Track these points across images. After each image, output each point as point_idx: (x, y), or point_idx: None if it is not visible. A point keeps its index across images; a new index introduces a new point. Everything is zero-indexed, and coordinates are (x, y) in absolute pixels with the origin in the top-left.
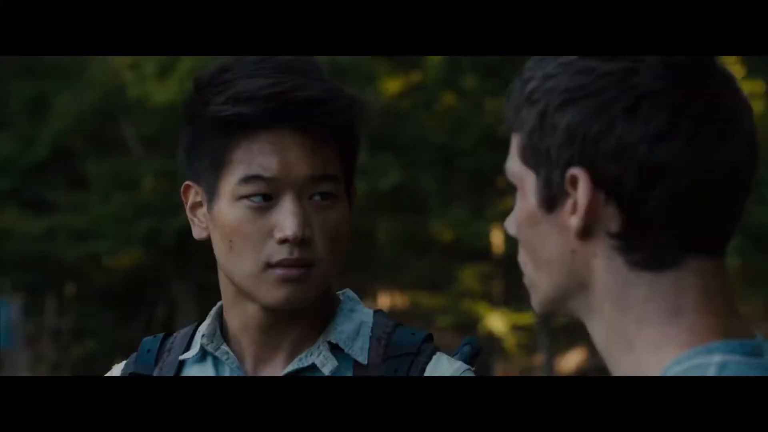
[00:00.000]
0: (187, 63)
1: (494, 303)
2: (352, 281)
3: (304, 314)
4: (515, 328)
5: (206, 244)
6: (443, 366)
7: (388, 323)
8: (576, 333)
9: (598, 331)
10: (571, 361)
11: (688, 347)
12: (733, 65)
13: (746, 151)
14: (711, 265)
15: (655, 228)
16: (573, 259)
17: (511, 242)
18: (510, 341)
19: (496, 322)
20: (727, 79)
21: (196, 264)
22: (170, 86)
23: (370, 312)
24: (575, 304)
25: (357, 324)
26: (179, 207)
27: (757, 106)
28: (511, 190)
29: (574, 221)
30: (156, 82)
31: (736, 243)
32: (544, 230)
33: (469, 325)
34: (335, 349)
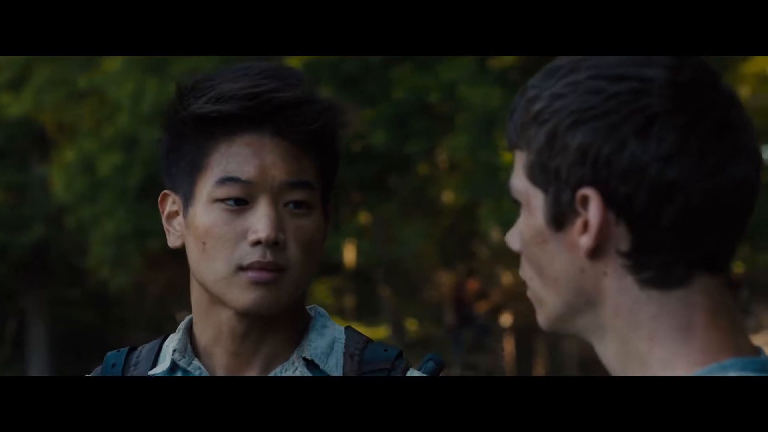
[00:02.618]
0: (40, 76)
1: (346, 317)
2: None
3: (278, 327)
4: None
5: (63, 259)
6: None
7: (360, 339)
8: (428, 346)
9: (608, 348)
10: None
11: (701, 365)
12: None
13: (751, 167)
14: (716, 282)
15: (666, 246)
16: (582, 277)
17: (363, 257)
18: None
19: None
20: (732, 97)
21: (46, 278)
22: (24, 99)
23: (342, 328)
24: (583, 321)
25: (330, 340)
26: (29, 220)
27: None
28: (367, 205)
29: (585, 240)
30: (9, 94)
31: None
32: (552, 248)
33: None
34: (310, 365)
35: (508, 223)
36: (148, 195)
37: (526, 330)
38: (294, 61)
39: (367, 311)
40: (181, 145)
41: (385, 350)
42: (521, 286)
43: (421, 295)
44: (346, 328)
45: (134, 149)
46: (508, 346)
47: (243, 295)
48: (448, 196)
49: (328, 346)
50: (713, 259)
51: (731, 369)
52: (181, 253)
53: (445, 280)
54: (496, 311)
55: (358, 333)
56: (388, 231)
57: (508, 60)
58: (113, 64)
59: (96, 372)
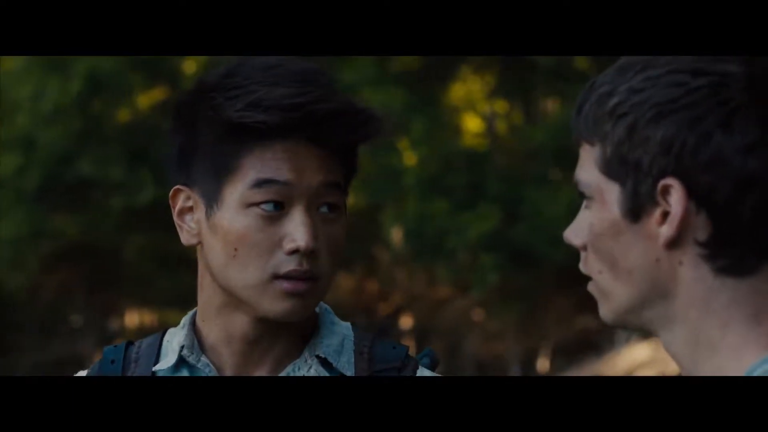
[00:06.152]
0: None
1: None
2: (100, 299)
3: (290, 328)
4: None
5: None
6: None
7: (367, 336)
8: None
9: (677, 338)
10: None
11: None
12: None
13: None
14: None
15: (743, 236)
16: (657, 267)
17: None
18: None
19: None
20: None
21: None
22: None
23: (348, 324)
24: (651, 313)
25: (341, 337)
26: None
27: (501, 126)
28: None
29: (666, 230)
30: None
31: (495, 260)
32: (627, 240)
33: None
34: (324, 363)
35: (410, 226)
36: (46, 196)
37: (426, 332)
38: (191, 62)
39: None
40: (201, 142)
41: (394, 348)
42: (421, 288)
43: None
44: (352, 324)
45: (33, 150)
46: (409, 348)
47: (276, 304)
48: (348, 199)
49: (339, 343)
50: None
51: None
52: (73, 255)
53: (345, 282)
54: (396, 313)
55: (362, 330)
56: None
57: (408, 62)
58: (12, 62)
59: (94, 368)
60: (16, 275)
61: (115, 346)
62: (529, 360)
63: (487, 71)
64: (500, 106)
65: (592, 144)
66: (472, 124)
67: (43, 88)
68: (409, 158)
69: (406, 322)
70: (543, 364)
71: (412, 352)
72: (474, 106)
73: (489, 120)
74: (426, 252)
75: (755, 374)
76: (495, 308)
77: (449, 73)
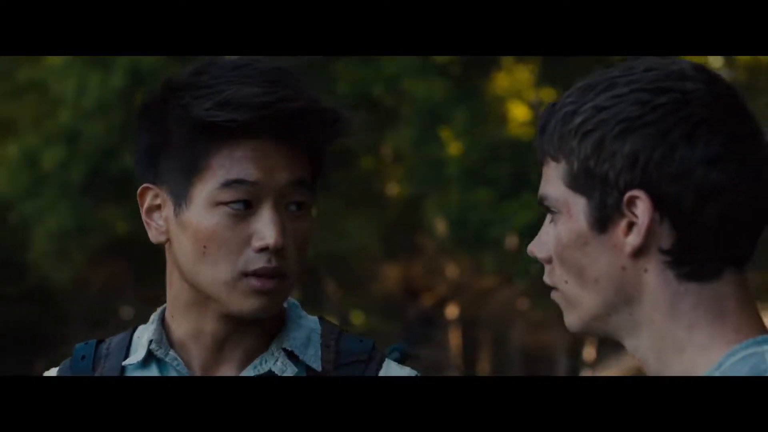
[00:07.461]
0: None
1: None
2: (148, 291)
3: (259, 323)
4: None
5: (4, 255)
6: (394, 372)
7: (334, 330)
8: (377, 339)
9: (643, 342)
10: None
11: (737, 343)
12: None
13: None
14: (742, 276)
15: (705, 244)
16: (623, 275)
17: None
18: None
19: None
20: (751, 110)
21: None
22: None
23: (315, 319)
24: (618, 319)
25: (307, 331)
26: None
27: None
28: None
29: (633, 239)
30: None
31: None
32: (593, 250)
33: None
34: (290, 356)
35: (453, 216)
36: (90, 190)
37: (472, 322)
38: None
39: (312, 305)
40: (169, 141)
41: (360, 341)
42: (465, 278)
43: (366, 288)
44: (319, 318)
45: (77, 144)
46: (455, 338)
47: (244, 301)
48: (392, 189)
49: (305, 337)
50: (741, 256)
51: (765, 344)
52: (121, 248)
53: (390, 272)
54: (441, 304)
55: (331, 323)
56: (332, 224)
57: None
58: (54, 58)
59: (65, 364)
60: (62, 268)
61: (86, 343)
62: (576, 349)
63: (530, 60)
64: (547, 94)
65: (557, 161)
66: (518, 112)
67: (86, 82)
68: (454, 148)
69: (451, 311)
70: (589, 354)
71: (457, 341)
72: (520, 95)
73: (535, 108)
74: (469, 241)
75: (724, 366)
76: (539, 298)
77: (492, 63)
